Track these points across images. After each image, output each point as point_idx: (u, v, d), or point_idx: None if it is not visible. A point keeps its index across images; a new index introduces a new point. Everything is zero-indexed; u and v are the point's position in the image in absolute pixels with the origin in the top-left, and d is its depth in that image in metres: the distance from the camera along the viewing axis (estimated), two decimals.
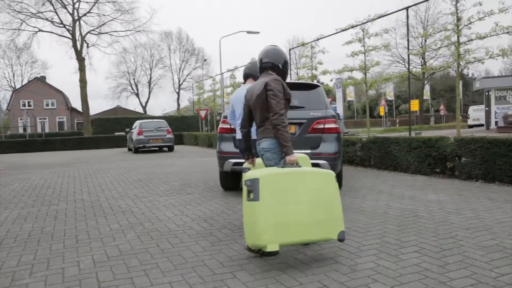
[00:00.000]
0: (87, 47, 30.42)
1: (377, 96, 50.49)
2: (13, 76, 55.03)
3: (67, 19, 30.99)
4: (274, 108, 3.09)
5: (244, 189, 3.02)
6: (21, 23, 28.70)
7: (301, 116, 5.68)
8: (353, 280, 2.69)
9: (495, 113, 23.40)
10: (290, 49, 19.86)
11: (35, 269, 3.11)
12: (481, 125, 27.59)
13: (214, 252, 3.37)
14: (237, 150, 5.74)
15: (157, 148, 18.25)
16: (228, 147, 5.84)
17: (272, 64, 3.32)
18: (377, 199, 5.37)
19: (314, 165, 5.49)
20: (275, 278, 2.76)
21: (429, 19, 36.83)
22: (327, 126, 5.61)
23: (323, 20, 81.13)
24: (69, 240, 3.89)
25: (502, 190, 5.73)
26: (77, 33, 29.17)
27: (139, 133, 17.04)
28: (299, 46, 15.31)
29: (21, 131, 39.30)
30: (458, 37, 8.33)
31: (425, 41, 30.46)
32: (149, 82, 55.08)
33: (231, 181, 6.38)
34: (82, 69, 28.70)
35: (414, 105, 32.26)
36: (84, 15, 29.55)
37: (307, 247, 3.41)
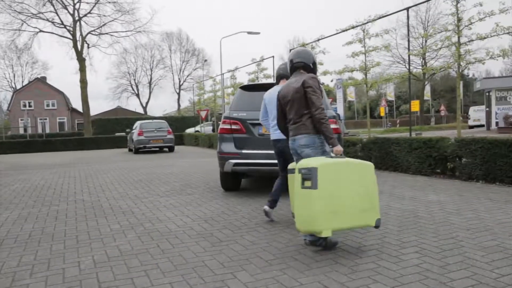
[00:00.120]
0: (88, 47, 30.49)
1: (377, 97, 50.47)
2: (14, 76, 55.18)
3: (68, 20, 31.06)
4: (315, 103, 3.28)
5: (298, 177, 3.14)
6: (22, 24, 28.79)
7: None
8: (354, 280, 2.69)
9: (496, 113, 23.38)
10: (290, 50, 19.87)
11: (35, 269, 3.11)
12: (482, 125, 27.57)
13: (214, 252, 3.38)
14: (238, 151, 5.76)
15: (157, 149, 18.26)
16: (229, 147, 5.84)
17: (304, 64, 3.51)
18: None
19: None
20: (276, 279, 2.76)
21: (430, 20, 36.84)
22: None
23: (323, 20, 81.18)
24: (69, 240, 3.89)
25: (503, 190, 5.73)
26: (78, 34, 29.23)
27: (139, 134, 17.06)
28: (299, 46, 15.31)
29: (21, 131, 39.34)
30: (458, 37, 8.33)
31: (426, 41, 30.44)
32: (150, 83, 55.17)
33: (232, 182, 6.38)
34: (82, 69, 28.73)
35: (415, 105, 32.27)
36: (85, 15, 29.60)
37: (307, 247, 3.41)
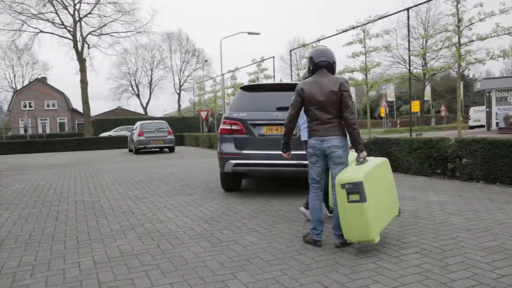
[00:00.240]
0: (88, 48, 30.51)
1: (378, 97, 50.47)
2: (14, 77, 55.22)
3: (68, 20, 31.07)
4: (351, 107, 3.37)
5: (341, 192, 3.19)
6: (22, 24, 28.80)
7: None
8: (354, 281, 2.69)
9: (496, 114, 23.38)
10: (291, 50, 19.87)
11: (36, 270, 3.11)
12: (482, 126, 27.58)
13: (215, 253, 3.38)
14: (238, 151, 5.76)
15: (158, 149, 18.27)
16: (229, 148, 5.84)
17: (328, 63, 3.51)
18: None
19: None
20: (276, 279, 2.76)
21: (430, 20, 36.88)
22: None
23: (324, 21, 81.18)
24: (70, 241, 3.89)
25: (503, 191, 5.72)
26: (78, 34, 29.24)
27: (140, 134, 17.06)
28: (300, 47, 15.32)
29: (22, 132, 39.37)
30: (459, 38, 8.33)
31: (426, 42, 30.47)
32: (150, 83, 55.19)
33: (232, 182, 6.38)
34: (83, 70, 28.75)
35: (415, 106, 32.23)
36: (85, 16, 29.62)
37: (308, 248, 3.41)
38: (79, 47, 28.99)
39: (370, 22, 10.46)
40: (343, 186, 3.18)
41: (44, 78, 51.85)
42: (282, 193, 6.09)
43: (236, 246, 3.54)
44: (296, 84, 6.56)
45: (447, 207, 4.78)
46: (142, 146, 17.07)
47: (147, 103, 55.38)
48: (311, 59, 3.55)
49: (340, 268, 2.93)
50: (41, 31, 29.73)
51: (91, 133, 28.67)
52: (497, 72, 55.71)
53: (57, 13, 28.96)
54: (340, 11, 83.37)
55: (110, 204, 5.76)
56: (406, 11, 10.27)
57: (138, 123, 18.11)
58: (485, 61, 8.22)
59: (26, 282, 2.87)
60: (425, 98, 40.14)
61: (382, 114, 40.11)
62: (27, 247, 3.73)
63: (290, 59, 18.33)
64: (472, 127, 29.37)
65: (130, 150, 19.17)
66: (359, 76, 11.68)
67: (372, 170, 3.30)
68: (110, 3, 29.65)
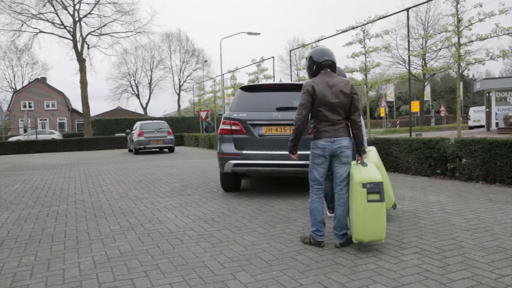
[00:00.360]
0: (88, 48, 30.50)
1: (377, 97, 50.50)
2: (14, 77, 55.43)
3: (68, 20, 31.13)
4: (359, 110, 3.46)
5: (361, 191, 3.23)
6: (22, 24, 28.78)
7: None
8: (354, 281, 2.69)
9: (496, 114, 23.39)
10: (290, 50, 19.88)
11: (35, 270, 3.11)
12: (482, 126, 27.60)
13: (214, 253, 3.38)
14: (238, 151, 5.76)
15: (157, 149, 18.26)
16: (229, 148, 5.84)
17: (332, 62, 3.51)
18: None
19: None
20: (276, 279, 2.76)
21: (430, 20, 36.87)
22: None
23: (323, 21, 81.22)
24: (69, 241, 3.89)
25: (503, 191, 5.73)
26: (78, 34, 29.24)
27: (139, 134, 17.06)
28: (299, 47, 15.33)
29: (21, 132, 39.34)
30: (458, 38, 8.33)
31: (426, 42, 30.48)
32: (150, 83, 55.20)
33: (232, 182, 6.38)
34: (82, 70, 28.74)
35: (415, 106, 32.24)
36: (85, 16, 29.61)
37: (308, 248, 3.41)
38: (79, 47, 28.99)
39: (369, 23, 10.47)
40: (364, 185, 3.23)
41: (44, 78, 51.85)
42: (282, 193, 6.09)
43: (236, 246, 3.54)
44: (296, 84, 6.56)
45: (446, 207, 4.78)
46: (141, 146, 17.07)
47: (147, 103, 55.43)
48: (312, 59, 3.53)
49: (340, 268, 2.93)
50: (40, 31, 29.74)
51: (90, 134, 28.66)
52: (496, 72, 55.83)
53: (56, 13, 28.97)
54: (339, 12, 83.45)
55: (110, 204, 5.76)
56: (405, 11, 10.28)
57: (137, 123, 18.11)
58: (485, 62, 8.23)
59: (25, 282, 2.87)
60: (425, 98, 40.18)
61: (382, 114, 40.14)
62: (27, 247, 3.73)
63: (290, 59, 18.35)
64: (471, 127, 29.39)
65: (130, 151, 19.17)
66: (358, 76, 11.68)
67: (381, 171, 3.54)
68: (109, 3, 29.67)
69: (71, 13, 29.05)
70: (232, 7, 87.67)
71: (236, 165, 5.72)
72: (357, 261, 3.06)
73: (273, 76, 17.61)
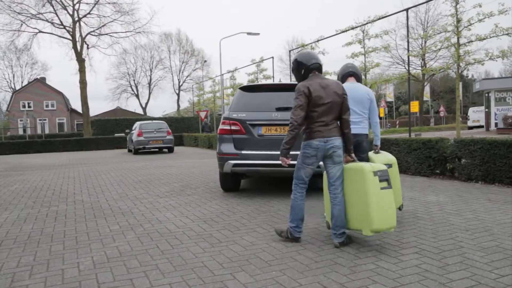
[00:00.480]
0: (87, 48, 30.45)
1: (377, 97, 50.47)
2: (13, 77, 55.18)
3: (67, 20, 31.08)
4: (349, 109, 3.62)
5: (374, 180, 3.33)
6: (21, 24, 28.73)
7: None
8: (353, 281, 2.69)
9: (495, 114, 23.42)
10: (290, 51, 19.90)
11: (34, 270, 3.11)
12: (481, 126, 27.62)
13: (214, 253, 3.37)
14: (237, 151, 5.76)
15: (157, 149, 18.26)
16: (228, 148, 5.84)
17: (319, 65, 3.63)
18: None
19: None
20: (275, 279, 2.76)
21: (429, 21, 36.88)
22: None
23: (323, 21, 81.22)
24: (68, 241, 3.89)
25: (502, 191, 5.73)
26: (77, 34, 29.19)
27: (139, 134, 17.05)
28: (299, 47, 15.33)
29: (21, 132, 39.34)
30: (458, 38, 8.34)
31: (425, 42, 30.49)
32: (149, 83, 55.15)
33: (231, 182, 6.38)
34: (82, 70, 28.71)
35: (414, 106, 32.30)
36: (84, 16, 29.58)
37: (307, 248, 3.41)
38: (78, 47, 28.96)
39: (369, 23, 10.48)
40: (375, 173, 3.34)
41: (43, 78, 51.81)
42: (281, 194, 6.09)
43: (235, 246, 3.54)
44: (295, 84, 6.56)
45: (446, 207, 4.79)
46: (141, 147, 17.06)
47: (146, 103, 55.39)
48: (300, 63, 3.62)
49: (339, 268, 2.93)
50: (40, 31, 29.70)
51: (90, 133, 28.64)
52: (496, 72, 55.88)
53: (56, 13, 28.93)
54: (339, 12, 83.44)
55: (109, 204, 5.75)
56: (405, 12, 10.28)
57: (137, 124, 18.11)
58: (484, 62, 8.24)
59: (25, 282, 2.86)
60: (424, 99, 40.20)
61: (381, 115, 40.10)
62: (26, 247, 3.73)
63: (290, 60, 18.33)
64: (471, 128, 29.42)
65: (129, 151, 19.16)
66: None
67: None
68: (109, 3, 29.64)
69: (71, 13, 29.04)
70: (231, 7, 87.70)
71: (235, 165, 5.72)
72: (357, 261, 3.06)
73: (273, 76, 17.61)
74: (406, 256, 3.15)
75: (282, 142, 3.55)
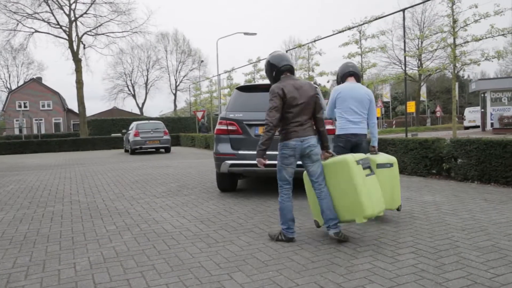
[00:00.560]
0: (84, 48, 30.34)
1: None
2: (9, 77, 55.08)
3: (64, 20, 30.83)
4: (323, 108, 3.75)
5: (358, 168, 3.48)
6: (17, 24, 28.57)
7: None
8: (350, 281, 2.70)
9: (491, 114, 23.55)
10: (286, 51, 19.92)
11: (30, 271, 3.09)
12: (477, 126, 27.77)
13: (210, 253, 3.37)
14: (234, 152, 5.76)
15: (153, 150, 18.22)
16: (225, 148, 5.83)
17: (290, 67, 3.71)
18: None
19: None
20: (272, 279, 2.76)
21: (426, 21, 36.97)
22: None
23: (320, 22, 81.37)
24: (65, 241, 3.87)
25: (498, 191, 5.76)
26: (74, 34, 29.07)
27: (135, 135, 17.01)
28: (295, 47, 15.35)
29: (16, 132, 39.11)
30: (454, 39, 8.38)
31: (422, 43, 30.61)
32: (146, 83, 55.02)
33: (228, 183, 6.37)
34: (78, 70, 28.60)
35: (411, 106, 32.33)
36: (81, 16, 29.46)
37: (304, 248, 3.42)
38: (75, 47, 28.84)
39: (366, 23, 10.51)
40: (357, 162, 3.49)
41: (39, 78, 51.55)
42: (278, 194, 6.08)
43: (232, 246, 3.54)
44: None
45: (442, 207, 4.81)
46: (138, 147, 17.02)
47: (143, 104, 55.27)
48: (272, 65, 3.69)
49: (336, 268, 2.94)
50: (36, 31, 29.55)
51: (86, 134, 28.54)
52: (491, 73, 56.15)
53: (52, 13, 28.79)
54: (336, 13, 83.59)
55: (105, 204, 5.74)
56: (401, 12, 10.31)
57: (134, 124, 18.07)
58: (480, 62, 8.30)
59: (20, 283, 2.85)
60: (421, 99, 40.32)
61: (378, 115, 40.22)
62: (22, 248, 3.71)
63: None
64: (467, 128, 29.57)
65: (126, 151, 19.11)
66: None
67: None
68: (106, 3, 29.52)
69: (67, 12, 28.91)
70: (228, 7, 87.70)
71: (232, 165, 5.71)
72: (353, 261, 3.07)
73: None
74: (403, 256, 3.16)
75: (258, 143, 3.58)
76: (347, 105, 4.29)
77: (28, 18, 28.59)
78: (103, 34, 30.84)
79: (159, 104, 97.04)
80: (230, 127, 5.82)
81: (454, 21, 8.30)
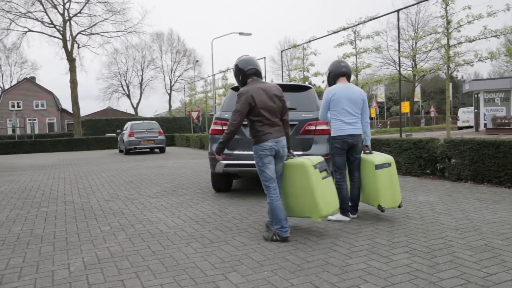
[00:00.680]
0: (78, 47, 30.15)
1: (368, 98, 50.77)
2: (2, 76, 54.58)
3: (58, 19, 30.63)
4: (288, 110, 3.87)
5: (315, 172, 3.66)
6: (10, 23, 28.34)
7: (293, 117, 5.69)
8: (344, 281, 2.71)
9: (484, 115, 23.74)
10: (282, 51, 19.93)
11: (24, 272, 3.07)
12: (471, 126, 27.98)
13: (205, 253, 3.37)
14: (230, 152, 5.75)
15: (148, 150, 18.16)
16: None
17: (256, 70, 3.82)
18: None
19: None
20: (267, 280, 2.76)
21: (420, 22, 37.20)
22: (318, 127, 5.63)
23: (315, 22, 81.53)
24: (59, 242, 3.85)
25: (491, 191, 5.81)
26: (68, 34, 28.89)
27: (130, 135, 16.94)
28: (290, 47, 15.37)
29: (10, 132, 38.78)
30: (448, 39, 8.44)
31: (416, 43, 30.77)
32: (141, 83, 54.81)
33: (223, 183, 6.37)
34: (72, 69, 28.42)
35: (405, 107, 32.47)
36: (75, 15, 29.29)
37: (299, 248, 3.42)
38: (69, 47, 28.66)
39: (360, 24, 10.55)
40: (315, 166, 3.67)
41: (33, 78, 51.15)
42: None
43: (227, 246, 3.54)
44: (287, 84, 6.56)
45: (436, 207, 4.84)
46: (132, 147, 16.95)
47: (138, 104, 55.04)
48: (239, 68, 3.81)
49: (331, 268, 2.95)
50: (29, 30, 29.33)
51: (80, 134, 28.38)
52: (485, 73, 56.61)
53: (46, 12, 28.58)
54: (330, 13, 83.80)
55: (100, 205, 5.71)
56: (396, 13, 10.37)
57: (128, 124, 17.99)
58: (473, 63, 8.36)
59: (14, 284, 2.83)
60: (415, 99, 40.55)
61: (373, 115, 40.40)
62: (15, 249, 3.68)
63: (281, 60, 18.39)
64: (461, 128, 29.79)
65: (121, 151, 19.03)
66: None
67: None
68: (100, 2, 29.37)
69: (61, 12, 28.72)
70: (223, 7, 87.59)
71: (227, 165, 5.71)
72: (348, 261, 3.08)
73: (265, 77, 17.62)
74: (397, 255, 3.17)
75: (219, 141, 3.78)
76: (341, 106, 4.28)
77: (21, 17, 28.39)
78: (97, 33, 30.70)
79: (154, 104, 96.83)
80: (225, 127, 5.81)
81: (448, 22, 8.35)
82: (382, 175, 4.18)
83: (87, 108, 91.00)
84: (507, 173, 6.01)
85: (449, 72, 9.06)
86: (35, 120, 45.91)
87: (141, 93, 55.10)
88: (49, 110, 48.28)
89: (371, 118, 44.86)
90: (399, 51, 10.93)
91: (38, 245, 3.76)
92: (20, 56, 50.45)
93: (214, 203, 5.53)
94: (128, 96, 54.95)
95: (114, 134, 24.27)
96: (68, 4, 28.68)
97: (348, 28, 10.81)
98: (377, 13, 10.95)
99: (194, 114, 22.98)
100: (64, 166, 12.54)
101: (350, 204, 4.35)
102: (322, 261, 3.09)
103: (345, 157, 4.34)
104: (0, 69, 53.12)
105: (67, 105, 48.34)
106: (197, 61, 52.67)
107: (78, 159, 15.64)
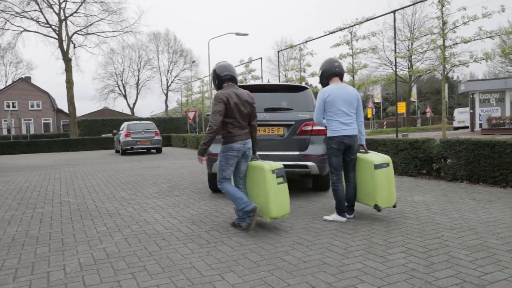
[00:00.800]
0: (74, 47, 30.03)
1: (364, 98, 50.94)
2: None
3: (53, 19, 30.65)
4: (256, 118, 4.20)
5: (272, 177, 3.88)
6: (5, 23, 28.17)
7: (289, 118, 5.71)
8: (341, 281, 2.71)
9: (480, 115, 23.86)
10: (278, 51, 19.94)
11: (19, 273, 3.05)
12: (466, 127, 28.12)
13: (202, 254, 3.36)
14: None
15: (145, 150, 18.11)
16: (217, 148, 5.80)
17: (231, 77, 4.12)
18: None
19: (302, 166, 5.52)
20: (263, 280, 2.76)
21: (416, 23, 37.35)
22: (315, 128, 5.64)
23: (311, 23, 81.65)
24: (54, 243, 3.83)
25: (486, 191, 5.84)
26: (64, 33, 28.76)
27: (126, 135, 16.89)
28: (287, 48, 15.39)
29: (5, 132, 38.56)
30: (443, 40, 8.48)
31: (412, 44, 30.86)
32: (137, 84, 54.69)
33: None
34: (68, 69, 28.29)
35: (401, 107, 32.59)
36: (71, 15, 29.16)
37: (295, 248, 3.43)
38: (65, 47, 28.54)
39: (357, 24, 10.58)
40: (273, 171, 3.90)
41: (28, 78, 50.90)
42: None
43: (223, 247, 3.54)
44: (283, 85, 6.56)
45: (432, 207, 4.86)
46: (129, 147, 16.90)
47: (134, 104, 54.90)
48: (216, 74, 4.13)
49: (328, 268, 2.95)
50: (25, 30, 29.18)
51: (76, 134, 28.26)
52: (480, 74, 56.92)
53: (41, 12, 28.44)
54: (327, 14, 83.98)
55: (96, 205, 5.69)
56: (392, 14, 10.40)
57: (125, 124, 17.94)
58: (469, 64, 8.39)
59: (8, 286, 2.81)
60: (411, 100, 40.72)
61: (369, 115, 40.53)
62: (10, 250, 3.66)
63: (278, 60, 18.37)
64: (456, 128, 29.93)
65: (117, 151, 18.97)
66: (346, 77, 11.79)
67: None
68: (96, 2, 29.26)
69: (57, 11, 28.59)
70: (220, 7, 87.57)
71: None
72: (345, 261, 3.08)
73: (261, 77, 17.64)
74: (393, 255, 3.18)
75: (201, 142, 4.00)
76: (337, 107, 4.27)
77: (17, 17, 28.22)
78: (93, 33, 30.59)
79: (151, 104, 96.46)
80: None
81: (444, 23, 8.39)
82: (381, 175, 4.19)
83: (83, 108, 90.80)
84: (502, 173, 6.05)
85: (445, 73, 9.10)
86: (30, 120, 45.69)
87: (137, 94, 55.00)
88: (45, 110, 48.07)
89: (367, 119, 45.09)
90: (395, 52, 10.96)
91: (34, 246, 3.75)
92: (15, 55, 50.18)
93: (211, 204, 5.53)
94: (125, 96, 54.82)
95: (110, 135, 24.19)
96: (64, 3, 28.56)
97: (344, 28, 10.83)
98: (373, 14, 10.99)
99: (191, 115, 22.95)
100: (60, 166, 12.49)
101: (346, 204, 4.36)
102: (319, 261, 3.10)
103: (341, 158, 4.34)
104: None
105: (63, 105, 48.25)
106: (193, 61, 52.66)
107: (74, 159, 15.58)
